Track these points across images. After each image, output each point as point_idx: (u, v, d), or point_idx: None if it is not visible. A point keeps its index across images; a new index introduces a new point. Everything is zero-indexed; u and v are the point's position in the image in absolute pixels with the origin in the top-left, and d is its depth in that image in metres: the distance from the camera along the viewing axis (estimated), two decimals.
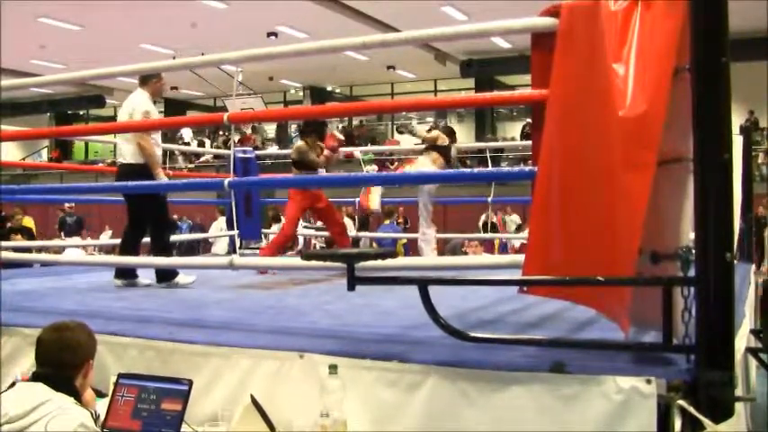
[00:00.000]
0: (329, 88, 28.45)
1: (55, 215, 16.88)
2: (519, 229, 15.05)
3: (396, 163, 20.90)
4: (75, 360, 2.50)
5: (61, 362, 2.48)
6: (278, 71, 23.64)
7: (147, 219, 5.50)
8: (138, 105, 5.43)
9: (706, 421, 2.06)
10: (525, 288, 2.86)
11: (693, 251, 2.19)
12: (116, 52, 18.28)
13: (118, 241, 5.46)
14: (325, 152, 6.41)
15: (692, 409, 2.08)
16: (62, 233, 15.35)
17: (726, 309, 2.10)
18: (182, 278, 5.29)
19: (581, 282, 2.51)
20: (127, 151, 5.44)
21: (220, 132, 26.47)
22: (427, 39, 3.42)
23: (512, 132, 25.48)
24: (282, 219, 15.38)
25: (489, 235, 11.24)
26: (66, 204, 14.70)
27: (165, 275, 5.27)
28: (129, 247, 5.53)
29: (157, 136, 5.63)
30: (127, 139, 5.45)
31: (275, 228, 14.03)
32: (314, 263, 3.26)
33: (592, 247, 2.44)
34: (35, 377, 2.48)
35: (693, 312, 2.18)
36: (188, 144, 25.20)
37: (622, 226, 2.31)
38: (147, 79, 5.54)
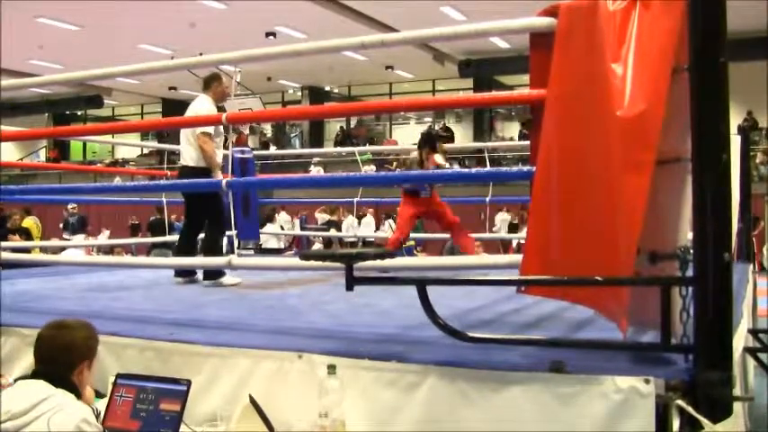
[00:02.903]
0: (327, 88, 28.46)
1: (55, 215, 16.93)
2: (516, 228, 15.06)
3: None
4: (68, 358, 2.50)
5: (55, 360, 2.49)
6: (276, 71, 23.66)
7: (203, 218, 5.62)
8: (199, 111, 5.52)
9: (704, 421, 2.06)
10: (523, 288, 2.86)
11: (691, 251, 2.19)
12: (114, 52, 18.30)
13: (116, 241, 5.45)
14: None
15: (690, 409, 2.08)
16: (66, 232, 15.56)
17: (724, 309, 2.10)
18: (227, 279, 5.36)
19: (579, 282, 2.51)
20: (189, 154, 5.55)
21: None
22: (426, 39, 3.42)
23: (510, 132, 25.52)
24: (278, 218, 15.41)
25: (489, 235, 11.22)
26: (70, 205, 14.87)
27: (212, 274, 5.37)
28: (186, 245, 5.71)
29: (220, 140, 5.70)
30: (189, 142, 5.53)
31: (269, 228, 14.05)
32: (313, 263, 3.26)
33: (590, 246, 2.45)
34: (35, 375, 2.49)
35: (692, 312, 2.18)
36: None
37: (621, 226, 2.31)
38: (209, 83, 5.66)
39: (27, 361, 3.10)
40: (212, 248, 5.62)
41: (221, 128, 5.57)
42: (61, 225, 16.29)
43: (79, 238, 14.56)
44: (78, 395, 2.46)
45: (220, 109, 5.81)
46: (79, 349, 2.53)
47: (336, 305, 4.20)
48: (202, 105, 5.56)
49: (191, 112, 5.62)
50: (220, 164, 5.58)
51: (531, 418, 2.27)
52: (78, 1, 16.60)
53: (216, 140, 5.58)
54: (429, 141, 6.72)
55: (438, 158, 6.44)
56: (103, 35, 19.59)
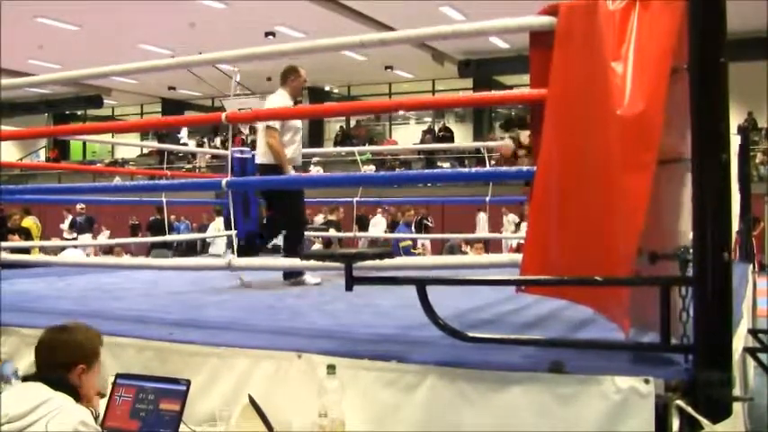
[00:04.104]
0: (327, 88, 28.45)
1: (54, 215, 16.97)
2: (518, 227, 15.03)
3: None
4: (63, 360, 2.51)
5: (52, 362, 2.51)
6: (276, 71, 23.51)
7: (281, 216, 5.53)
8: (274, 106, 5.43)
9: (704, 421, 2.06)
10: (523, 288, 2.86)
11: (691, 251, 2.19)
12: (114, 52, 18.27)
13: (116, 241, 5.43)
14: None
15: (689, 409, 2.08)
16: (72, 231, 15.85)
17: (724, 309, 2.10)
18: (309, 278, 5.29)
19: (579, 282, 2.51)
20: (259, 150, 5.50)
21: (218, 133, 26.55)
22: (425, 38, 3.42)
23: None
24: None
25: (488, 235, 11.21)
26: (78, 205, 15.01)
27: (293, 273, 5.27)
28: (295, 245, 5.50)
29: (294, 135, 5.52)
30: (261, 139, 5.47)
31: None
32: (312, 263, 3.26)
33: (590, 246, 2.44)
34: (34, 377, 2.49)
35: (691, 312, 2.18)
36: (185, 144, 25.22)
37: (621, 226, 2.31)
38: (286, 77, 5.56)
39: (27, 361, 3.10)
40: (295, 248, 5.46)
41: (295, 122, 5.50)
42: (67, 224, 16.40)
43: (86, 238, 14.69)
44: (77, 398, 2.46)
45: (297, 103, 5.69)
46: (75, 351, 2.53)
47: (336, 305, 4.20)
48: (277, 101, 5.44)
49: (267, 106, 5.54)
50: (296, 159, 5.52)
51: (530, 418, 2.26)
52: (78, 1, 16.59)
53: (287, 135, 5.44)
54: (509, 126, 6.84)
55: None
56: (103, 35, 19.59)
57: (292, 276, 5.31)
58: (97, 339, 2.63)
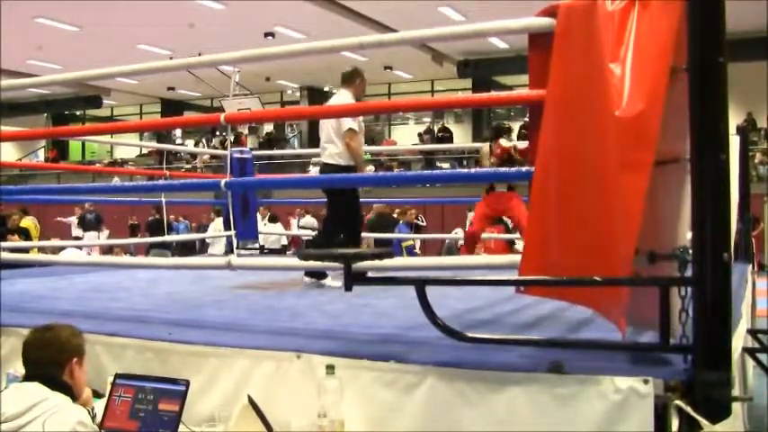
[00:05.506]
0: (326, 88, 28.41)
1: (53, 216, 16.99)
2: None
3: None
4: (55, 358, 2.52)
5: (43, 362, 2.51)
6: (275, 72, 23.65)
7: (345, 214, 5.47)
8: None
9: (703, 421, 2.06)
10: (522, 288, 2.86)
11: (691, 251, 2.19)
12: (113, 53, 18.28)
13: (115, 242, 5.43)
14: (492, 159, 6.80)
15: (689, 410, 2.08)
16: (81, 229, 16.10)
17: (723, 309, 2.10)
18: (329, 281, 5.22)
19: (578, 282, 2.51)
20: (331, 151, 5.35)
21: (217, 133, 26.56)
22: (424, 39, 3.42)
23: None
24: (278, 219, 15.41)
25: (488, 234, 11.17)
26: (87, 203, 15.14)
27: (315, 273, 5.20)
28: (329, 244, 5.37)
29: (361, 136, 5.48)
30: (331, 139, 5.33)
31: (272, 228, 14.03)
32: (312, 263, 3.26)
33: (589, 247, 2.44)
34: (28, 378, 2.49)
35: (691, 312, 2.18)
36: (182, 144, 25.19)
37: (619, 226, 2.31)
38: (351, 79, 5.50)
39: None
40: (330, 245, 5.26)
41: (363, 124, 5.47)
42: (75, 221, 16.46)
43: (93, 236, 14.73)
44: (73, 396, 2.47)
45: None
46: (64, 348, 2.54)
47: (335, 305, 4.20)
48: (344, 102, 5.38)
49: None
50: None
51: (529, 418, 2.27)
52: (77, 1, 16.58)
53: (361, 137, 5.42)
54: (495, 135, 6.97)
55: (503, 142, 6.66)
56: (102, 35, 19.57)
57: (314, 276, 5.28)
58: (80, 336, 2.64)
